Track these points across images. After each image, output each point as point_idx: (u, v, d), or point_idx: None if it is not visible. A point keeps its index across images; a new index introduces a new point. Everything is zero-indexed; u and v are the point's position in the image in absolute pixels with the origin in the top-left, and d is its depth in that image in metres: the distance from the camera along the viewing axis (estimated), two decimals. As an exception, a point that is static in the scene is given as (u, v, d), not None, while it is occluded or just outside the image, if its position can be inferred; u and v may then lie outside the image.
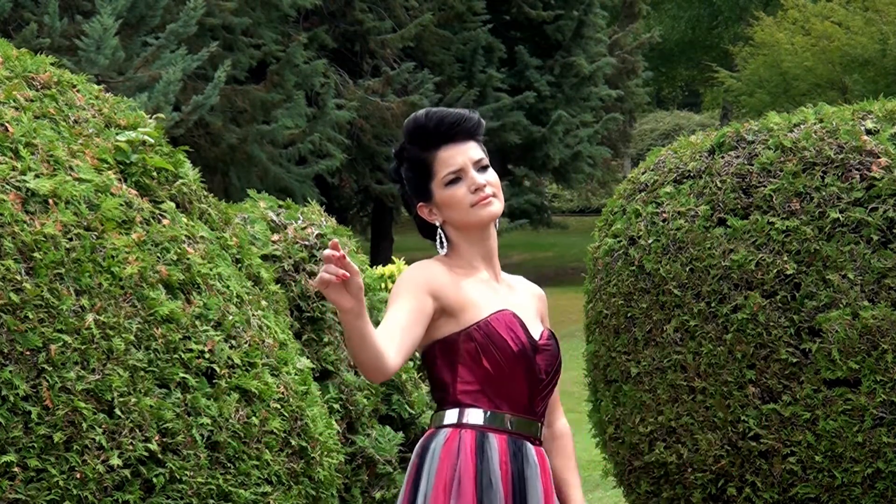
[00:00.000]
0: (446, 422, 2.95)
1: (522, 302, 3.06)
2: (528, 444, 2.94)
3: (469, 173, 2.94)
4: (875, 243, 4.25)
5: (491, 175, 2.97)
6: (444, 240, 2.99)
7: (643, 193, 4.75)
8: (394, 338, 2.79)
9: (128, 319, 3.28)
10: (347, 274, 2.54)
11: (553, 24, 24.14)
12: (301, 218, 4.77)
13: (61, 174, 3.34)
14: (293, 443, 3.62)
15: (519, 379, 2.93)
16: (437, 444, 2.92)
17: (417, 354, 3.34)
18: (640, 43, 27.55)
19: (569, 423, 3.22)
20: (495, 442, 2.89)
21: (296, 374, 3.74)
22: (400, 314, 2.84)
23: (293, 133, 17.93)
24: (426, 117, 2.95)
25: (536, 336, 3.01)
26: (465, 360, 2.92)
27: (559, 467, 3.11)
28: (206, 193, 3.92)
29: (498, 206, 2.96)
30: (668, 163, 4.76)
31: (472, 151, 2.96)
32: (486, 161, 2.98)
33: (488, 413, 2.92)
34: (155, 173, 3.68)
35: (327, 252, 2.53)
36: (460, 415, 2.93)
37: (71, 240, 3.25)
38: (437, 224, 2.99)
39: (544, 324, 3.12)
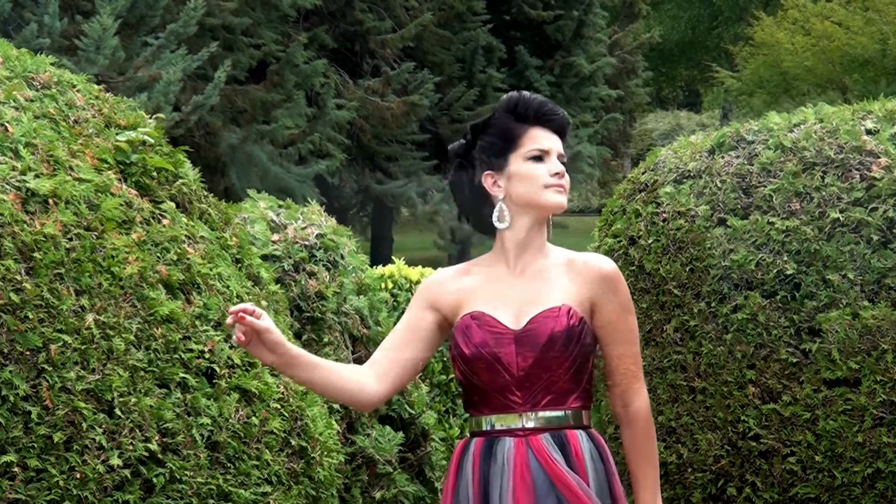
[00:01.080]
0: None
1: (538, 292, 2.96)
2: (505, 441, 2.90)
3: (553, 158, 2.98)
4: (875, 243, 4.25)
5: (566, 174, 2.99)
6: (505, 212, 2.98)
7: (643, 193, 4.75)
8: (377, 364, 2.89)
9: (128, 319, 3.27)
10: (242, 337, 2.69)
11: (553, 24, 24.09)
12: (301, 218, 4.76)
13: (61, 174, 3.34)
14: (293, 443, 3.61)
15: (487, 378, 2.92)
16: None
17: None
18: (640, 43, 27.51)
19: None
20: (473, 447, 2.92)
21: (296, 374, 3.73)
22: (391, 337, 2.94)
23: (293, 133, 17.91)
24: (530, 96, 2.99)
25: (523, 322, 2.92)
26: (455, 372, 2.97)
27: (629, 461, 3.05)
28: (206, 193, 3.92)
29: (565, 201, 2.97)
30: (668, 163, 4.76)
31: (559, 144, 3.00)
32: (565, 161, 3.01)
33: (473, 419, 2.97)
34: (155, 173, 3.68)
35: (228, 320, 2.69)
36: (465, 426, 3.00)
37: (71, 240, 3.25)
38: (499, 197, 2.99)
39: (597, 303, 2.97)
